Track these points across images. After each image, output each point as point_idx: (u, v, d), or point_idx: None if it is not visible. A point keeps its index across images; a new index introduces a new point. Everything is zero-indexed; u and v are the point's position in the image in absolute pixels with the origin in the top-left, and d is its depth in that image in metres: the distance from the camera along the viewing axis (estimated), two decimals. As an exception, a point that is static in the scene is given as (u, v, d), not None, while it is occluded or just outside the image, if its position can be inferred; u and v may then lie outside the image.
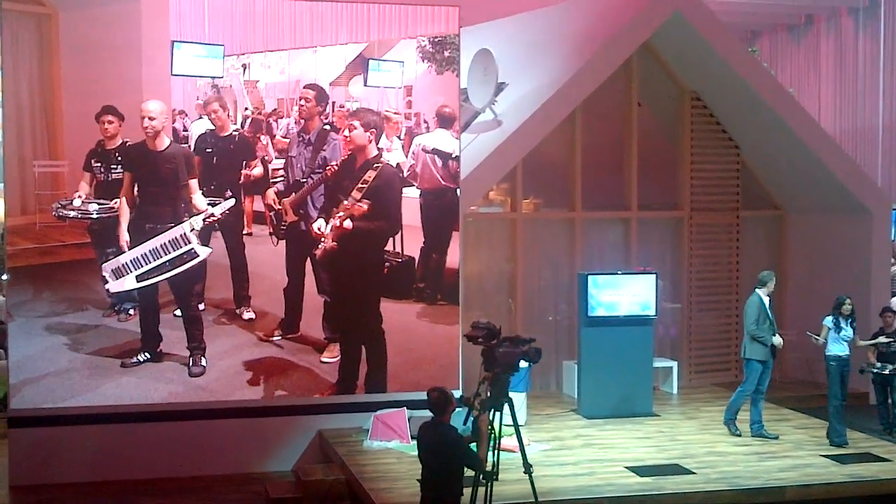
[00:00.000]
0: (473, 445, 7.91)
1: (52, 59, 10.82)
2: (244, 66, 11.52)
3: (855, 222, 14.07)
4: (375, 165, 11.32)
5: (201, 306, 11.17)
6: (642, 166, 14.04)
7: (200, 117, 11.26)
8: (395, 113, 11.70)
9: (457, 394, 8.47)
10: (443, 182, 11.90)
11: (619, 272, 12.69)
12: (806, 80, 19.94)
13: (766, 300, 11.39)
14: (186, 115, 11.14)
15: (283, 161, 11.44)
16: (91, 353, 10.79)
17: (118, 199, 10.88)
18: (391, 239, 11.56)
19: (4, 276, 12.16)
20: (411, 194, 11.78)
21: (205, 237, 11.09)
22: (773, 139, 13.97)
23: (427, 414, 7.85)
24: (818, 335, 11.26)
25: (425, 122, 11.87)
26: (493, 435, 8.35)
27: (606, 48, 13.07)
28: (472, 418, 8.22)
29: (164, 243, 10.92)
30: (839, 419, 11.12)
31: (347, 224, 11.18)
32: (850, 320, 11.22)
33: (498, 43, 14.24)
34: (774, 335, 11.27)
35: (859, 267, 13.98)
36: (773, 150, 14.18)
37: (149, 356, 10.96)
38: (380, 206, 11.33)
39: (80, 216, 10.87)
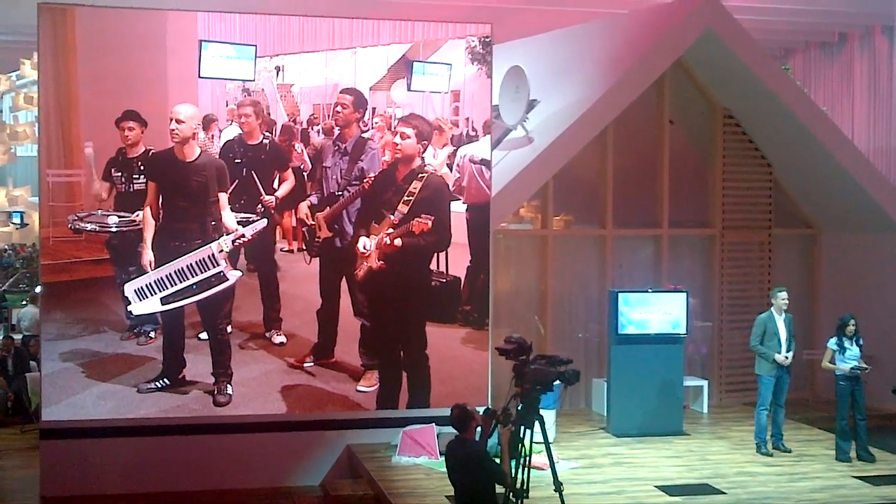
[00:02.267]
0: (497, 459, 7.92)
1: (68, 55, 10.62)
2: (277, 69, 10.96)
3: (889, 241, 13.96)
4: (420, 175, 10.74)
5: (229, 328, 10.70)
6: (674, 184, 13.99)
7: (230, 123, 10.66)
8: (449, 124, 11.09)
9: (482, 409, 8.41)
10: (491, 195, 11.51)
11: (650, 290, 12.65)
12: (839, 98, 19.82)
13: (780, 316, 11.42)
14: (217, 124, 10.63)
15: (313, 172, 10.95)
16: (108, 380, 10.53)
17: (139, 212, 10.30)
18: (434, 257, 11.09)
19: (38, 289, 12.24)
20: (456, 209, 11.23)
21: (233, 257, 10.60)
22: (805, 157, 13.90)
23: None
24: (853, 366, 11.19)
25: (474, 129, 11.31)
26: (523, 452, 8.34)
27: (638, 65, 13.05)
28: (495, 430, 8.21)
29: (191, 264, 10.30)
30: (844, 438, 11.15)
31: (398, 241, 10.65)
32: (855, 339, 11.18)
33: (530, 60, 14.25)
34: (780, 352, 11.29)
35: (893, 286, 13.86)
36: (806, 168, 14.10)
37: (168, 382, 10.62)
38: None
39: (98, 229, 10.26)
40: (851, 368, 11.15)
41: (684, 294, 12.41)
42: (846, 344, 11.18)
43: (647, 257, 14.05)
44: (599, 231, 13.82)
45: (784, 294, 11.55)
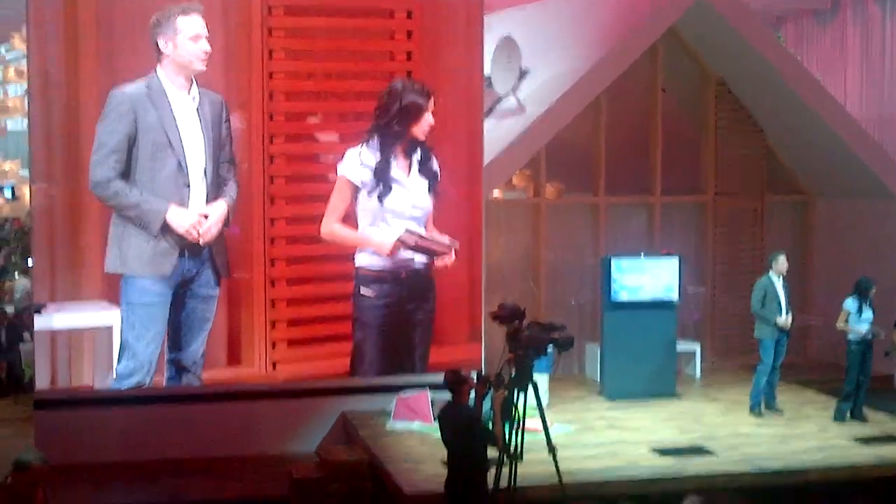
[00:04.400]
0: (491, 423, 8.00)
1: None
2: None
3: (881, 207, 14.02)
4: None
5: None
6: (666, 151, 14.02)
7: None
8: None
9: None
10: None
11: (643, 255, 12.71)
12: (832, 65, 19.78)
13: (778, 280, 11.48)
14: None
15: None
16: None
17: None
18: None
19: (30, 262, 12.26)
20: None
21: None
22: (798, 124, 13.94)
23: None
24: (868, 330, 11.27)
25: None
26: (516, 416, 8.42)
27: (631, 34, 13.06)
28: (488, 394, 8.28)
29: None
30: (847, 400, 11.26)
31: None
32: (869, 302, 11.25)
33: (521, 30, 14.26)
34: (780, 315, 11.34)
35: (886, 252, 13.91)
36: (799, 135, 14.14)
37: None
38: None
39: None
40: (867, 333, 11.21)
41: (677, 259, 12.47)
42: (863, 307, 11.23)
43: (639, 224, 14.10)
44: (592, 199, 13.86)
45: (783, 257, 11.61)
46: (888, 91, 18.49)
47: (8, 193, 21.12)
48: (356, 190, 10.94)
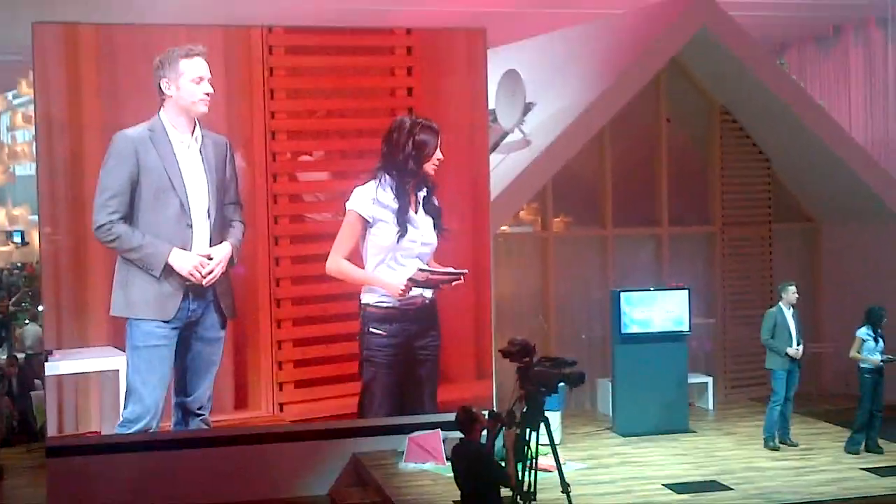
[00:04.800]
0: (503, 462, 7.91)
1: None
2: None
3: (889, 232, 13.96)
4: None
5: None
6: (673, 182, 14.00)
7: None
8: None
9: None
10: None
11: (652, 288, 12.65)
12: (836, 91, 19.81)
13: (788, 310, 11.41)
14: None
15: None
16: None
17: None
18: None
19: (41, 308, 12.25)
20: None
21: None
22: (803, 151, 13.90)
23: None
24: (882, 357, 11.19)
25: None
26: (529, 454, 8.33)
27: (634, 65, 13.06)
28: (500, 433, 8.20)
29: None
30: (861, 431, 11.14)
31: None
32: (881, 332, 11.18)
33: (525, 63, 14.26)
34: (791, 345, 11.28)
35: (893, 276, 13.84)
36: (805, 162, 14.11)
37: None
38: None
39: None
40: (883, 360, 11.13)
41: (686, 291, 12.39)
42: (876, 335, 11.16)
43: (648, 256, 14.04)
44: (600, 231, 13.81)
45: (793, 288, 11.55)
46: (893, 114, 18.48)
47: (18, 239, 21.19)
48: (366, 227, 10.90)
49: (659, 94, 13.86)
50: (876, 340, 11.12)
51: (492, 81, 12.44)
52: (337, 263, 10.88)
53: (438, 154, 11.06)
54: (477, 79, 11.88)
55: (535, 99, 13.63)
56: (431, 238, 11.13)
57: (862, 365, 11.16)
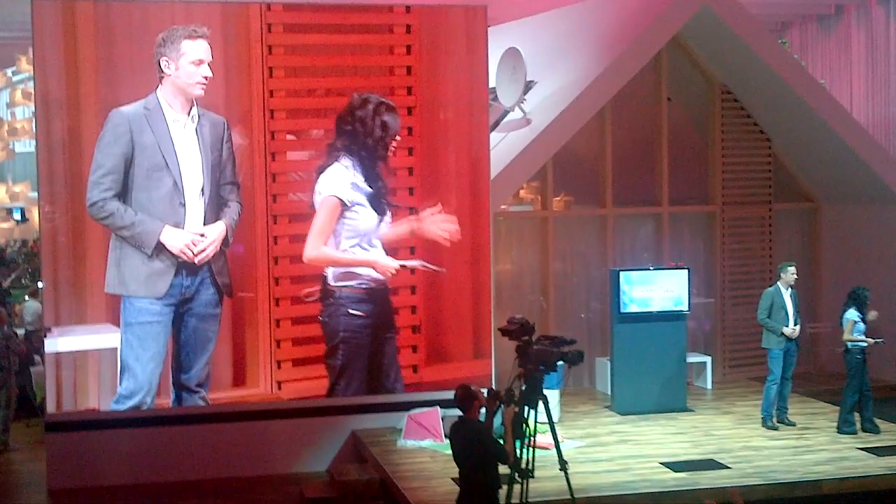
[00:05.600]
0: (502, 440, 7.93)
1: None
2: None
3: (890, 213, 13.94)
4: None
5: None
6: (673, 161, 13.97)
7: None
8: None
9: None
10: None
11: (651, 267, 12.64)
12: (837, 70, 19.78)
13: (786, 291, 11.43)
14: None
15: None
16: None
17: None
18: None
19: (40, 284, 12.27)
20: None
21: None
22: (804, 131, 13.87)
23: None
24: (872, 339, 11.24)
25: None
26: (527, 432, 8.35)
27: (635, 44, 13.01)
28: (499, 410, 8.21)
29: None
30: (854, 410, 11.20)
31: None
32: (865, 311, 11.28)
33: (526, 41, 14.22)
34: (788, 325, 11.30)
35: (894, 258, 13.84)
36: (805, 142, 14.08)
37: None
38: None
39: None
40: (876, 342, 11.17)
41: (686, 271, 12.39)
42: (864, 316, 11.22)
43: (647, 235, 14.04)
44: (600, 210, 13.80)
45: (793, 269, 11.56)
46: (894, 94, 18.45)
47: (17, 216, 21.18)
48: (344, 211, 10.89)
49: (660, 74, 13.82)
50: (863, 321, 11.18)
51: (492, 60, 12.40)
52: (319, 250, 10.88)
53: (396, 138, 11.11)
54: (477, 57, 11.84)
55: (536, 77, 13.59)
56: (389, 216, 11.16)
57: (851, 346, 11.19)
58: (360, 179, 10.90)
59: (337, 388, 11.18)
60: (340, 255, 10.95)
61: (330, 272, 11.00)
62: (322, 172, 10.96)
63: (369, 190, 10.90)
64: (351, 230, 10.93)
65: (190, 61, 10.50)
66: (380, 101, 11.09)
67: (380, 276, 11.08)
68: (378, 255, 11.04)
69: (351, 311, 11.01)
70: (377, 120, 10.97)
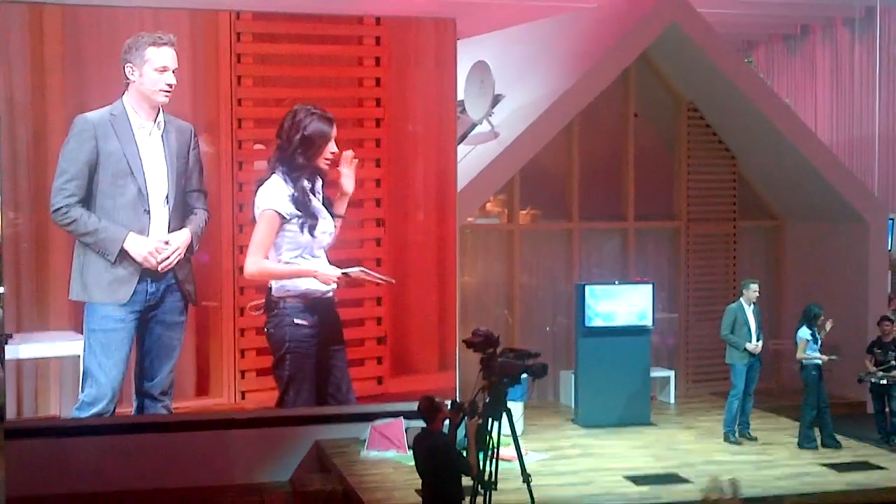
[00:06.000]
0: (465, 452, 7.94)
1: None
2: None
3: (852, 231, 14.08)
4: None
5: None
6: (639, 177, 14.05)
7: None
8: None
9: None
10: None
11: (616, 282, 12.70)
12: (802, 90, 19.96)
13: (749, 307, 11.55)
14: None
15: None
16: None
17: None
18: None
19: (1, 289, 12.14)
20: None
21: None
22: (769, 149, 13.99)
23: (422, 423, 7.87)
24: (827, 356, 11.36)
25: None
26: (490, 444, 8.35)
27: (604, 59, 13.09)
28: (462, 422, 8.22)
29: None
30: (813, 426, 11.31)
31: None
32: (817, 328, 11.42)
33: (495, 55, 14.27)
34: (751, 341, 11.40)
35: (856, 276, 13.98)
36: (770, 160, 14.20)
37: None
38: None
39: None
40: (830, 359, 11.28)
41: (650, 286, 12.45)
42: (817, 334, 11.32)
43: (613, 250, 14.09)
44: (566, 224, 13.85)
45: (756, 286, 11.67)
46: (858, 115, 18.64)
47: None
48: (283, 223, 10.80)
49: (627, 90, 13.90)
50: (815, 339, 11.29)
51: (461, 73, 12.44)
52: (260, 265, 10.75)
53: (332, 147, 10.93)
54: (446, 70, 11.87)
55: (505, 91, 13.64)
56: (331, 227, 11.05)
57: (806, 363, 11.29)
58: (297, 190, 10.77)
59: (286, 399, 11.05)
60: (281, 268, 10.82)
61: (274, 283, 10.89)
62: (260, 186, 10.85)
63: (307, 201, 10.80)
64: (291, 242, 10.80)
65: (154, 68, 10.45)
66: (308, 111, 10.94)
67: (322, 286, 10.97)
68: (319, 265, 10.93)
69: (296, 322, 10.89)
70: (302, 130, 10.84)
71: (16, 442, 10.57)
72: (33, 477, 10.59)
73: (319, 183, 10.97)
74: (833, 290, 13.72)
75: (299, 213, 10.76)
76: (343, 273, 10.94)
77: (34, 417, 10.73)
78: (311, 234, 10.81)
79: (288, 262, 10.87)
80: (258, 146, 11.27)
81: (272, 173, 10.83)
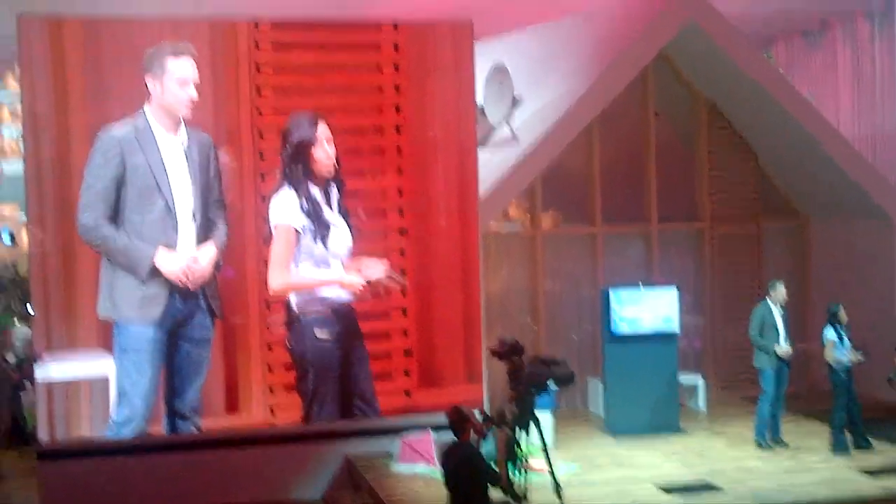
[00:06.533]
0: (494, 463, 7.88)
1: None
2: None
3: (877, 228, 13.95)
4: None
5: None
6: (661, 177, 13.95)
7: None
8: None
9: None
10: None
11: (641, 285, 12.60)
12: (823, 85, 19.78)
13: (776, 309, 11.41)
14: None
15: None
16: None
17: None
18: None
19: (30, 308, 12.14)
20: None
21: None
22: (791, 146, 13.89)
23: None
24: (852, 356, 11.20)
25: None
26: (519, 454, 8.30)
27: (622, 59, 13.00)
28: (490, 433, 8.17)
29: None
30: (844, 430, 11.18)
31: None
32: (844, 327, 11.28)
33: (512, 56, 14.19)
34: (779, 343, 11.29)
35: (883, 273, 13.85)
36: (792, 158, 14.09)
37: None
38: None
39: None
40: (857, 359, 11.16)
41: (675, 290, 12.34)
42: (841, 332, 11.20)
43: (637, 253, 13.99)
44: (589, 229, 13.76)
45: (782, 286, 11.54)
46: (880, 109, 18.46)
47: (6, 238, 20.93)
48: (299, 237, 10.65)
49: (646, 89, 13.82)
50: (841, 338, 11.16)
51: (479, 77, 12.36)
52: (286, 279, 10.60)
53: (326, 149, 10.66)
54: (464, 74, 11.81)
55: (523, 93, 13.57)
56: (349, 237, 10.90)
57: (835, 366, 11.19)
58: (307, 201, 10.62)
59: (311, 413, 10.94)
60: (307, 280, 10.70)
61: (293, 297, 10.76)
62: (270, 199, 10.75)
63: (318, 211, 10.65)
64: (305, 254, 10.66)
65: (174, 80, 10.35)
66: (295, 118, 10.77)
67: (346, 296, 10.83)
68: (341, 274, 10.82)
69: (316, 335, 10.74)
70: (290, 139, 10.69)
71: (48, 463, 10.61)
72: (67, 498, 10.61)
73: (335, 191, 10.83)
74: (860, 288, 13.60)
75: (311, 225, 10.65)
76: (368, 281, 10.82)
77: (66, 438, 10.69)
78: (325, 245, 10.68)
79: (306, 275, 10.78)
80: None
81: (282, 186, 10.71)
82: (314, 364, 10.82)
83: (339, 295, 10.81)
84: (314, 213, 10.61)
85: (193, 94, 10.41)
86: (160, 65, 10.33)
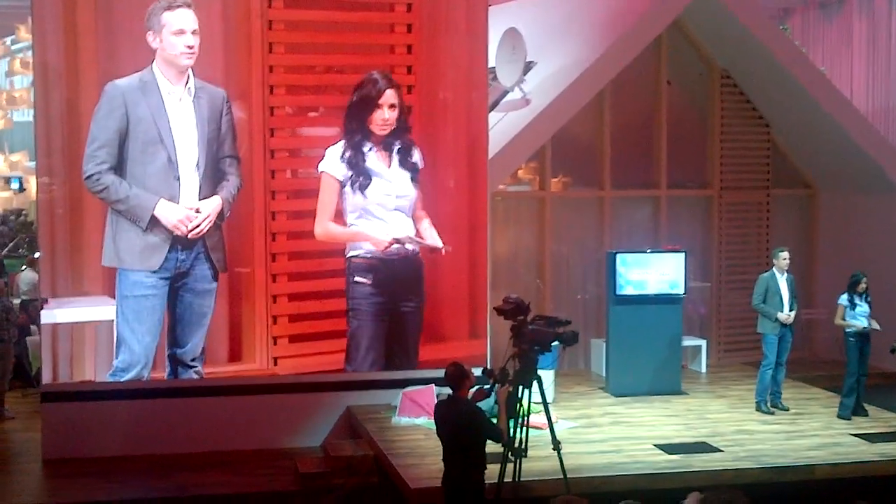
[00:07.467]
0: (494, 419, 7.95)
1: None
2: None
3: (886, 201, 13.95)
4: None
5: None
6: (672, 144, 13.97)
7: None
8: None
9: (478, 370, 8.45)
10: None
11: (648, 250, 12.65)
12: (838, 58, 19.73)
13: (781, 276, 11.45)
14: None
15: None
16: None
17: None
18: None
19: (38, 254, 12.27)
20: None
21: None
22: (803, 117, 13.87)
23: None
24: (864, 325, 11.23)
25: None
26: (521, 411, 8.37)
27: (636, 26, 12.99)
28: (493, 390, 8.23)
29: None
30: (850, 395, 11.19)
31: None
32: (864, 296, 11.25)
33: (526, 22, 14.18)
34: (782, 310, 11.31)
35: (891, 246, 13.85)
36: (804, 129, 14.07)
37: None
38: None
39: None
40: (865, 327, 11.19)
41: (682, 254, 12.40)
42: (856, 300, 11.23)
43: (645, 218, 14.04)
44: (597, 192, 13.80)
45: (786, 254, 11.57)
46: (895, 83, 18.41)
47: (16, 185, 21.14)
48: (341, 186, 10.95)
49: (660, 57, 13.81)
50: (854, 306, 11.20)
51: (492, 40, 12.38)
52: (324, 227, 10.98)
53: (384, 113, 10.97)
54: (477, 36, 11.81)
55: (536, 58, 13.57)
56: (407, 191, 11.15)
57: (847, 330, 11.24)
58: (350, 150, 10.94)
59: (351, 358, 11.21)
60: (340, 231, 11.04)
61: (348, 245, 11.13)
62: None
63: (359, 161, 10.91)
64: (350, 204, 11.00)
65: (171, 32, 10.42)
66: (371, 76, 11.08)
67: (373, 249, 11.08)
68: (378, 228, 11.00)
69: (356, 280, 11.09)
70: (356, 94, 11.00)
71: (52, 405, 10.76)
72: (68, 439, 10.75)
73: (398, 147, 11.08)
74: (867, 260, 13.56)
75: (354, 176, 10.85)
76: (395, 239, 10.98)
77: (69, 381, 10.81)
78: (363, 194, 10.88)
79: (352, 224, 11.04)
80: (289, 111, 11.34)
81: (341, 139, 11.02)
82: (352, 309, 11.15)
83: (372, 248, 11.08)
84: (353, 163, 10.87)
85: (190, 41, 10.47)
86: (157, 20, 10.44)
